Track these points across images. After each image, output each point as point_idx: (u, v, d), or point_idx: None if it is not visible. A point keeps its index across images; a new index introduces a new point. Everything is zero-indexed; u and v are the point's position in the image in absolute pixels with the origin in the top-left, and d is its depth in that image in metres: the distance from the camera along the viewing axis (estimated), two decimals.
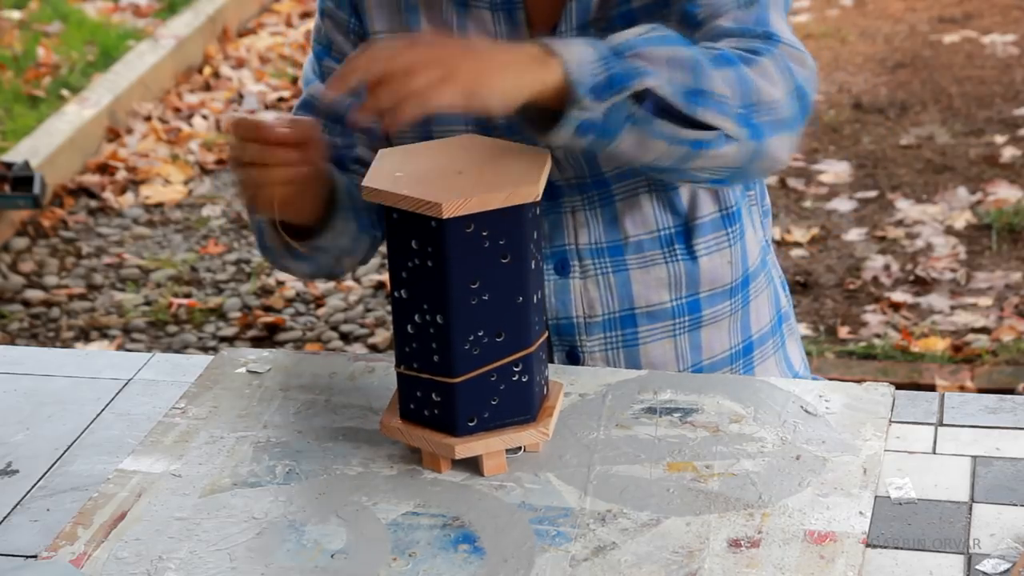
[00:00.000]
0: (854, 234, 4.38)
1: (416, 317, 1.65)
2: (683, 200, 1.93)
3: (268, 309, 4.19)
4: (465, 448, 1.65)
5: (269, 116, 1.78)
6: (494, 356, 1.65)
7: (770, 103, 1.73)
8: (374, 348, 3.99)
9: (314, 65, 2.01)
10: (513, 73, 1.63)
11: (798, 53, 1.78)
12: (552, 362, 1.96)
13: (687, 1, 1.81)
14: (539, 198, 1.63)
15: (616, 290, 1.95)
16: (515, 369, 1.67)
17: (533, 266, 1.66)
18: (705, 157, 1.72)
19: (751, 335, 2.01)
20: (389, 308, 4.13)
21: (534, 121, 1.69)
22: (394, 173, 1.66)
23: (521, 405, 1.68)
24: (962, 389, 3.61)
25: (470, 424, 1.66)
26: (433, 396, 1.66)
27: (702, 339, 1.98)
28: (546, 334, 1.72)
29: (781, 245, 4.33)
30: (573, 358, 1.97)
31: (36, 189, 4.44)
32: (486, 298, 1.63)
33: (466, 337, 1.63)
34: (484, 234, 1.61)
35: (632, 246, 1.94)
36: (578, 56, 1.64)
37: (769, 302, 2.04)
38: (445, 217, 1.58)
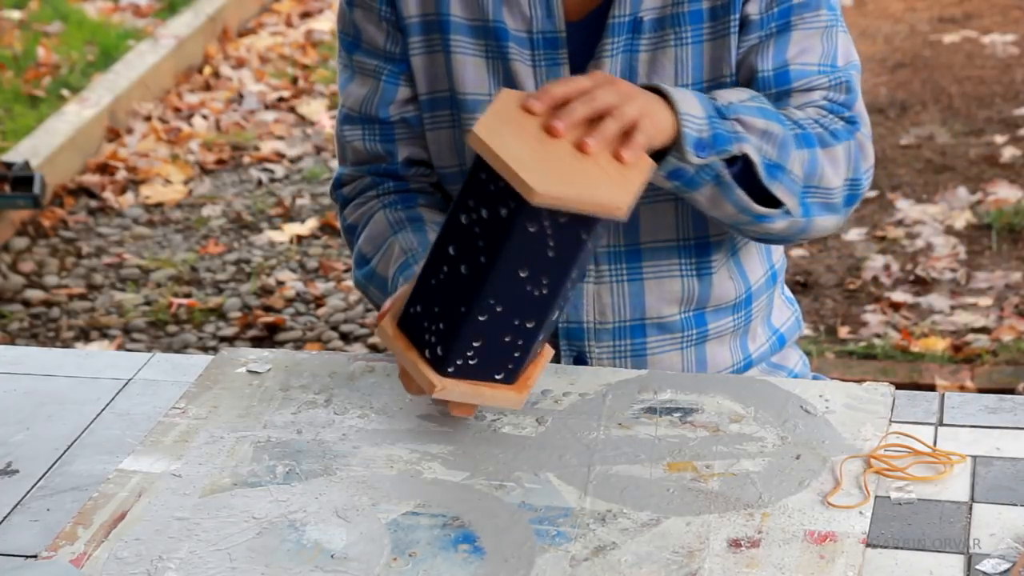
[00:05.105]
0: (854, 234, 4.38)
1: (445, 268, 1.65)
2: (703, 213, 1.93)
3: (268, 309, 4.19)
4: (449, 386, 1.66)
5: None
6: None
7: (827, 189, 1.85)
8: (374, 348, 3.98)
9: (346, 60, 1.96)
10: (662, 115, 1.71)
11: (868, 143, 1.89)
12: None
13: (784, 64, 1.88)
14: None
15: (629, 299, 1.94)
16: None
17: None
18: (761, 227, 1.84)
19: (750, 353, 2.01)
20: None
21: None
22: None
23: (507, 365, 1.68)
24: (962, 389, 3.60)
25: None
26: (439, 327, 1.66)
27: (707, 354, 1.97)
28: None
29: None
30: (580, 363, 1.96)
31: (36, 189, 4.44)
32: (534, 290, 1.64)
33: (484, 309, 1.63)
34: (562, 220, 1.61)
35: (649, 252, 1.93)
36: (690, 109, 1.73)
37: (764, 325, 2.03)
38: (534, 204, 1.56)
